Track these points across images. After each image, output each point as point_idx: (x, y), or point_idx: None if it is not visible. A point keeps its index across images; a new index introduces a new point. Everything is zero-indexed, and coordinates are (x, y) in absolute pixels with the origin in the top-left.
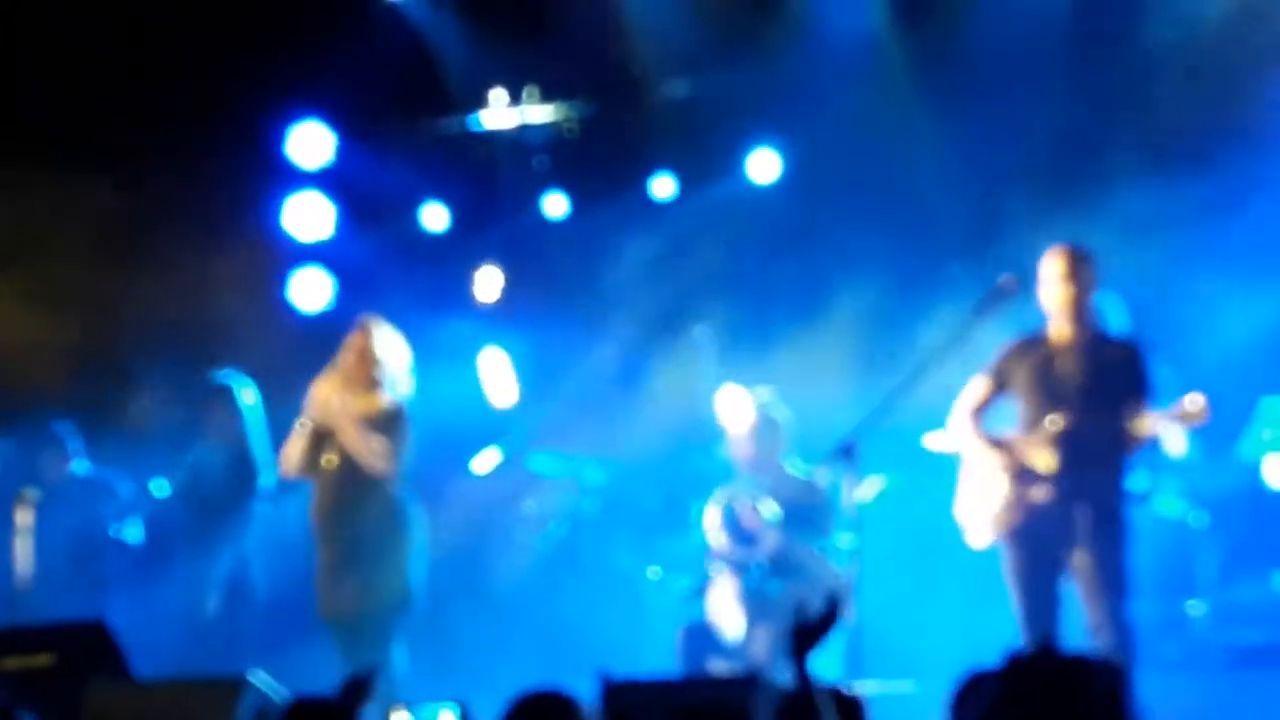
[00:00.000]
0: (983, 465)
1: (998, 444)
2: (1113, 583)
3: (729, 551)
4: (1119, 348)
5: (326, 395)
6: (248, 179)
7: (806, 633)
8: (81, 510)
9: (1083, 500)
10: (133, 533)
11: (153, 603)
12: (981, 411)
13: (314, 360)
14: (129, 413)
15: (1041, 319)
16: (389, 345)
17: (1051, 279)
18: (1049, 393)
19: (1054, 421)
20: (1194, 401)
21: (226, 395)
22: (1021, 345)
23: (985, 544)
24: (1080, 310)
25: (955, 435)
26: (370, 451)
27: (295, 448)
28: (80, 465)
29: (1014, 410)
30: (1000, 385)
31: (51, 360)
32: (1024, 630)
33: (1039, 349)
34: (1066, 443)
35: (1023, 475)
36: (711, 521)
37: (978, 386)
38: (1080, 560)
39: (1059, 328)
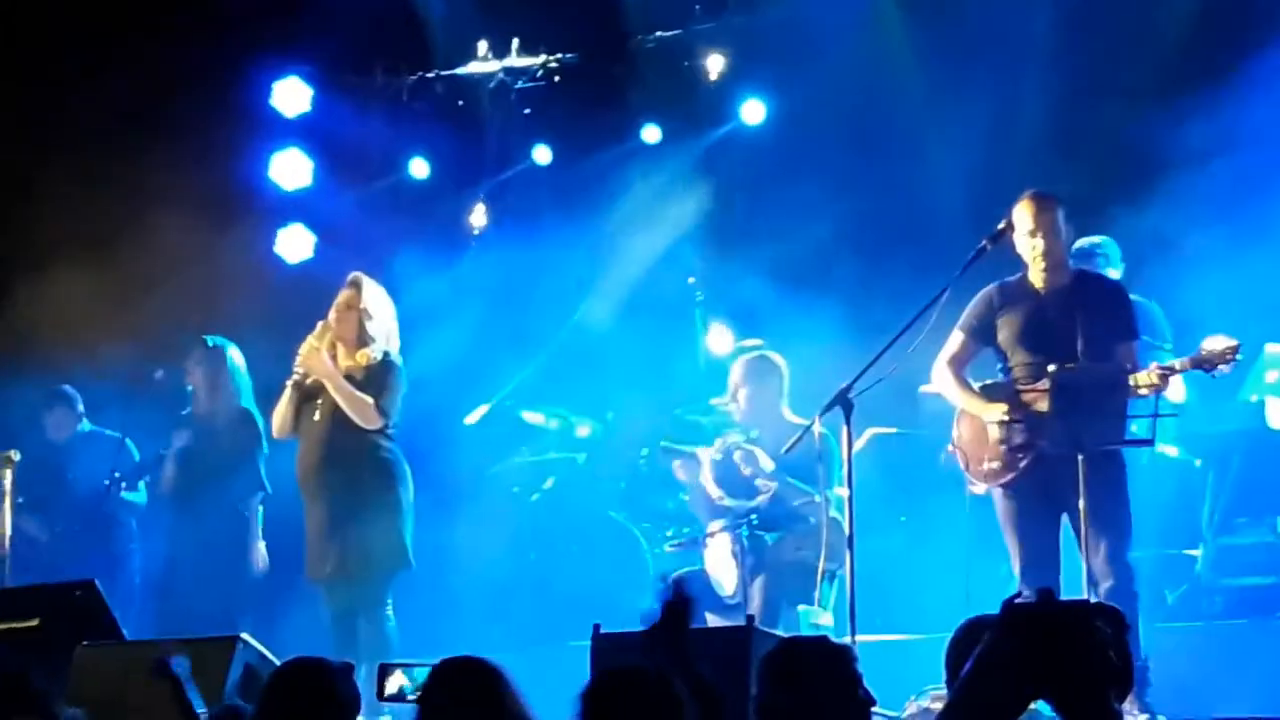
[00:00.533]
0: (973, 415)
1: (986, 393)
2: (1112, 528)
3: (723, 500)
4: (1101, 290)
5: (316, 351)
6: (233, 133)
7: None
8: (89, 470)
9: (1078, 446)
10: (139, 494)
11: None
12: (961, 363)
13: (300, 312)
14: (141, 375)
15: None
16: (378, 301)
17: (1022, 230)
18: (1034, 340)
19: (1041, 368)
20: (1218, 343)
21: (218, 357)
22: (999, 295)
23: (982, 492)
24: (1054, 256)
25: (937, 387)
26: (360, 406)
27: (284, 407)
28: (86, 425)
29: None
30: (979, 336)
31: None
32: (1021, 578)
33: (1021, 297)
34: (1057, 389)
35: (1014, 423)
36: (706, 472)
37: (955, 339)
38: (1078, 507)
39: (1037, 276)
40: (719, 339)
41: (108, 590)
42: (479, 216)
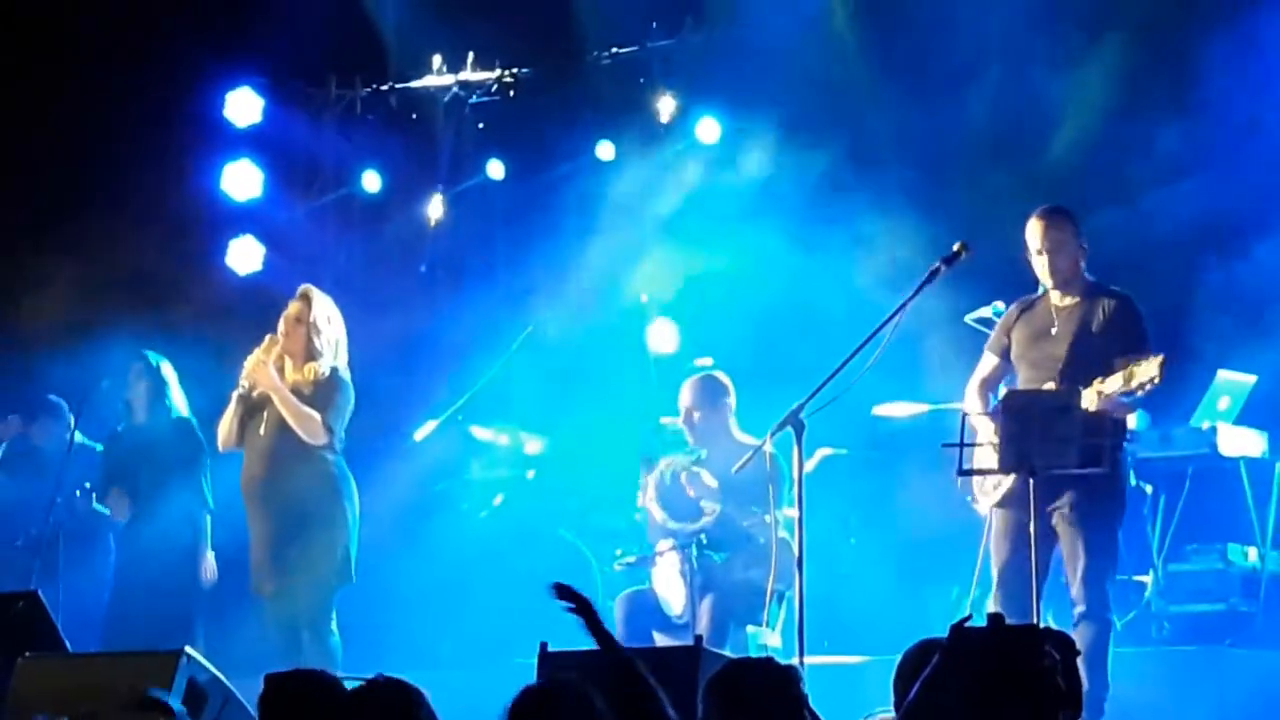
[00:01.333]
0: (984, 435)
1: (995, 413)
2: (1093, 553)
3: (667, 523)
4: (1111, 306)
5: (262, 364)
6: (184, 142)
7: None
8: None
9: (1028, 470)
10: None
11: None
12: (991, 383)
13: (249, 324)
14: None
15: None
16: (327, 315)
17: (1031, 247)
18: (1039, 359)
19: (1039, 386)
20: (1148, 364)
21: (157, 370)
22: (1017, 313)
23: (985, 510)
24: (1061, 275)
25: (967, 408)
26: (306, 421)
27: (229, 420)
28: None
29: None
30: (1003, 356)
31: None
32: (997, 597)
33: (1033, 315)
34: (1007, 412)
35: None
36: (650, 493)
37: (985, 360)
38: (1065, 530)
39: (1051, 293)
40: (662, 336)
41: (83, 603)
42: (435, 207)
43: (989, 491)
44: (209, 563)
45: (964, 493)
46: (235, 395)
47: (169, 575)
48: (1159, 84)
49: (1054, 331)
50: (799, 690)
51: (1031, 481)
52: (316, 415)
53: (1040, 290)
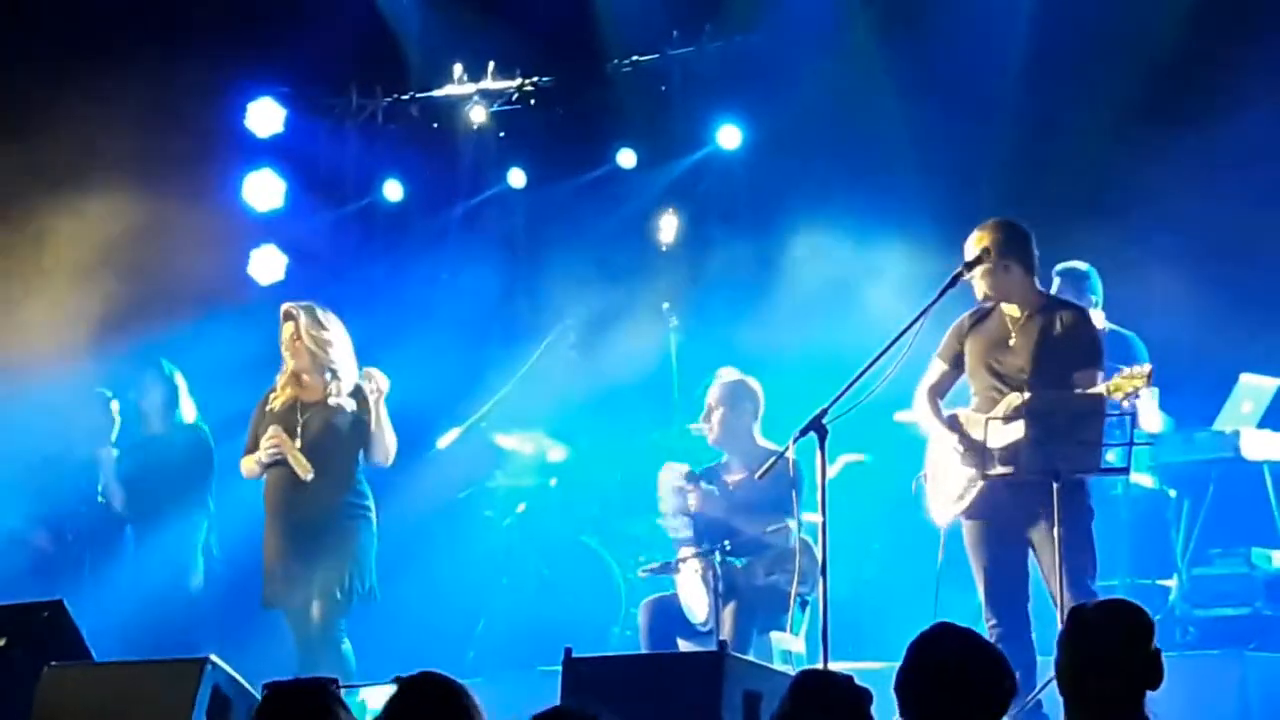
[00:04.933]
0: (942, 444)
1: (953, 423)
2: (1073, 555)
3: (680, 531)
4: (1065, 318)
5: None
6: (207, 154)
7: None
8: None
9: (1054, 473)
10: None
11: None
12: (940, 391)
13: (272, 335)
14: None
15: None
16: (320, 331)
17: (970, 257)
18: (990, 368)
19: (996, 395)
20: (1136, 368)
21: (172, 380)
22: (970, 322)
23: (946, 522)
24: (1001, 288)
25: (916, 416)
26: (388, 446)
27: (254, 466)
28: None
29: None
30: (953, 363)
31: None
32: (985, 606)
33: (986, 325)
34: (1020, 418)
35: (978, 452)
36: (666, 503)
37: (934, 367)
38: (1040, 536)
39: (1004, 304)
40: (668, 227)
41: (99, 609)
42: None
43: (952, 501)
44: (197, 572)
45: (919, 493)
46: (259, 462)
47: (177, 583)
48: (1179, 87)
49: (1011, 342)
50: (867, 710)
51: (1006, 489)
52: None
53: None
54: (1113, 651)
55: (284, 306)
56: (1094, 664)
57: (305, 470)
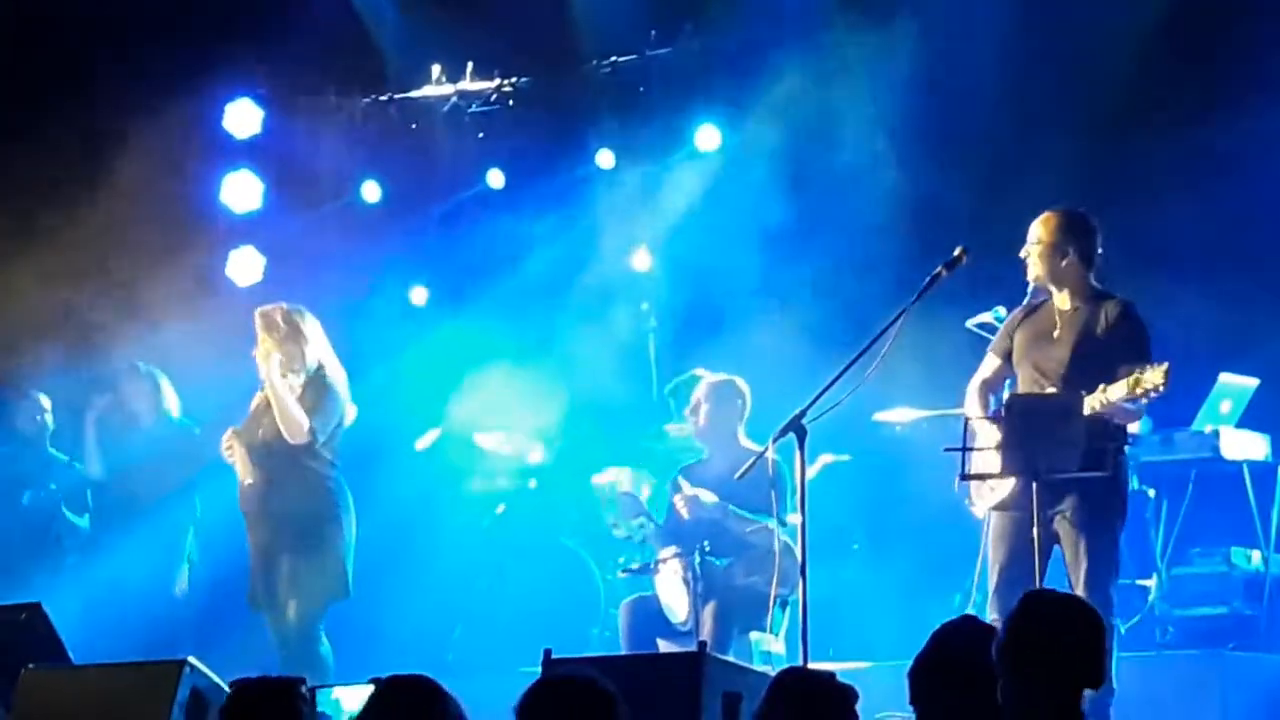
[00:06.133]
0: (986, 438)
1: (997, 415)
2: (1094, 557)
3: (657, 534)
4: (1110, 308)
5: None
6: (185, 155)
7: None
8: (42, 488)
9: (1033, 473)
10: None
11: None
12: (991, 385)
13: (250, 336)
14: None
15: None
16: (290, 329)
17: (1030, 248)
18: (1040, 362)
19: (1043, 390)
20: (1153, 372)
21: (154, 380)
22: (1021, 316)
23: (982, 514)
24: (1056, 276)
25: (966, 408)
26: (290, 420)
27: (243, 459)
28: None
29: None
30: (1006, 358)
31: None
32: (993, 598)
33: (1036, 318)
34: (1011, 415)
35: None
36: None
37: (987, 361)
38: (1066, 534)
39: (1054, 296)
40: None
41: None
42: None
43: (986, 495)
44: (182, 576)
45: (961, 495)
46: (231, 432)
47: (162, 583)
48: (1162, 86)
49: (1056, 335)
50: (851, 708)
51: (1035, 485)
52: (303, 417)
53: (1045, 295)
54: (1053, 644)
55: (256, 313)
56: (1031, 650)
57: (244, 474)
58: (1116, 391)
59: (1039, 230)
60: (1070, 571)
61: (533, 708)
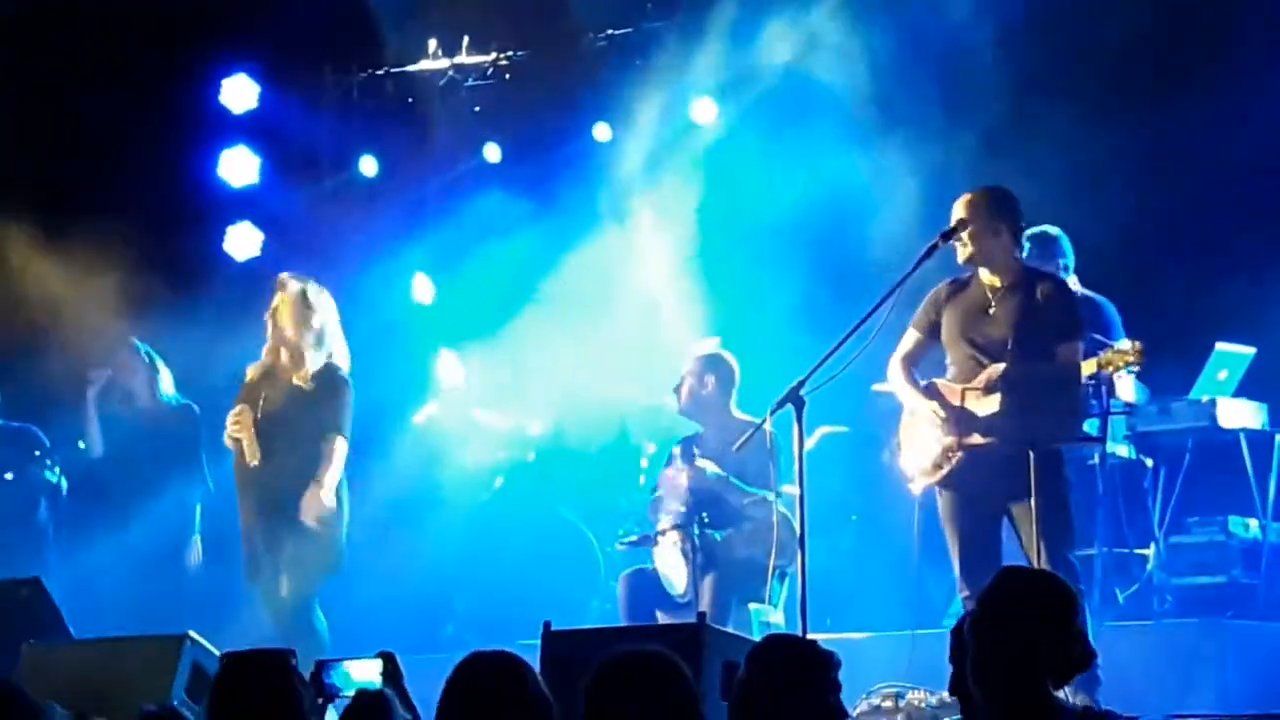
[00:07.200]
0: (918, 414)
1: (931, 391)
2: (1052, 525)
3: (660, 507)
4: (1046, 289)
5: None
6: (182, 130)
7: None
8: (14, 462)
9: (1018, 446)
10: (61, 484)
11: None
12: (914, 360)
13: (248, 311)
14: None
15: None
16: (311, 303)
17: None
18: (969, 338)
19: (975, 365)
20: (1128, 344)
21: (151, 357)
22: (948, 292)
23: (921, 490)
24: (985, 254)
25: (890, 385)
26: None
27: (250, 441)
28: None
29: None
30: (929, 333)
31: None
32: (960, 576)
33: (966, 294)
34: (998, 388)
35: (956, 422)
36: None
37: (908, 336)
38: (1019, 507)
39: (983, 273)
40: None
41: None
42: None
43: (928, 471)
44: (195, 548)
45: (891, 462)
46: (242, 409)
47: (164, 559)
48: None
49: (992, 312)
50: (833, 675)
51: (983, 458)
52: (336, 467)
53: (970, 270)
54: (1023, 622)
55: (280, 276)
56: (1000, 627)
57: (252, 456)
58: (1088, 369)
59: (967, 211)
60: (1026, 545)
61: (606, 684)
